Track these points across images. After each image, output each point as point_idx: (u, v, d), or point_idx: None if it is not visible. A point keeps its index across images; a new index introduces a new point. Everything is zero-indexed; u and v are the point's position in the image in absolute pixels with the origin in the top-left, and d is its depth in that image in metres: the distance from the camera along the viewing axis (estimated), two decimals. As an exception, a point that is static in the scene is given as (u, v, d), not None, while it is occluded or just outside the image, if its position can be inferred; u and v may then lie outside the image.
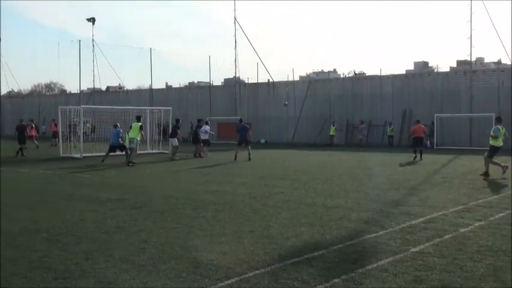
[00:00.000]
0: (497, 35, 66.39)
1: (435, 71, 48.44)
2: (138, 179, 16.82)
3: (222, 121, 43.24)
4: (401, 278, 6.12)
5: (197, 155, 26.77)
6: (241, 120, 27.77)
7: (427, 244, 7.65)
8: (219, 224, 9.30)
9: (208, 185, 14.85)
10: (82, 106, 30.15)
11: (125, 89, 56.96)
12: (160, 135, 31.71)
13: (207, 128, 27.93)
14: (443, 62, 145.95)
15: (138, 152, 26.82)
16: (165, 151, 27.26)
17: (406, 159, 23.83)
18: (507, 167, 16.49)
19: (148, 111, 32.08)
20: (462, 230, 8.63)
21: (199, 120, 28.79)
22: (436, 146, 33.52)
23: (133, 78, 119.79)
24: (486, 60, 71.60)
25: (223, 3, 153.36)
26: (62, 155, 27.40)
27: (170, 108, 32.28)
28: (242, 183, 15.14)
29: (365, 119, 38.90)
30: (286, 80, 46.10)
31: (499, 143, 16.79)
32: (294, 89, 43.37)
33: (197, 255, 7.09)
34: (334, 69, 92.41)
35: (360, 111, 39.56)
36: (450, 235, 8.24)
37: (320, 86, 42.87)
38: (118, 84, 62.76)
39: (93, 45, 47.85)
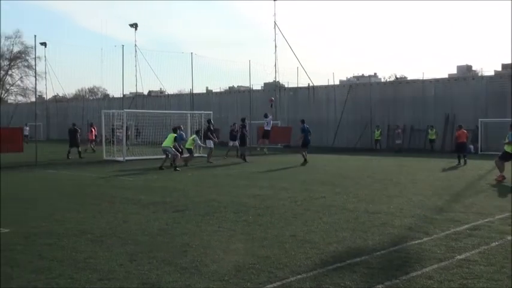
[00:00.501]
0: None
1: (479, 74, 47.51)
2: (179, 182, 16.97)
3: (262, 125, 43.24)
4: (446, 285, 6.00)
5: (243, 156, 25.98)
6: (303, 121, 26.11)
7: (473, 252, 7.50)
8: (260, 228, 9.30)
9: (249, 189, 14.89)
10: (125, 110, 30.60)
11: (166, 93, 57.64)
12: (200, 139, 31.90)
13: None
14: (487, 66, 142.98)
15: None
16: (204, 155, 27.40)
17: (448, 165, 23.41)
18: (503, 177, 16.61)
19: (189, 115, 32.37)
20: (509, 237, 8.42)
21: (243, 120, 28.15)
22: (481, 151, 32.80)
23: (174, 82, 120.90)
24: (532, 64, 69.68)
25: (263, 8, 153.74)
26: (105, 158, 27.88)
27: (211, 112, 32.50)
28: (283, 188, 15.12)
29: (406, 123, 38.38)
30: (327, 84, 45.87)
31: (509, 148, 17.01)
32: (334, 93, 43.11)
33: (239, 259, 7.11)
34: (375, 74, 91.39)
35: (401, 116, 39.04)
36: (497, 243, 8.05)
37: (360, 90, 42.49)
38: (159, 89, 63.62)
39: (136, 50, 48.61)
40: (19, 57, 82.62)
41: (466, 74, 65.11)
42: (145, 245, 7.99)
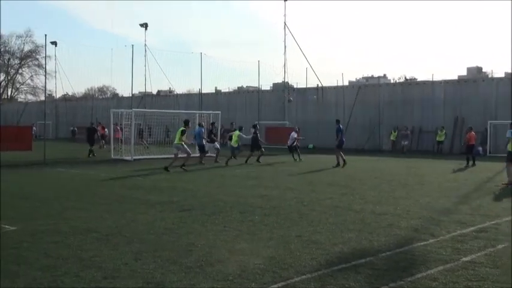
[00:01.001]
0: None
1: (489, 76, 47.25)
2: (187, 182, 17.01)
3: (271, 125, 43.24)
4: (451, 287, 5.98)
5: (258, 158, 25.66)
6: (338, 121, 25.41)
7: (478, 254, 7.46)
8: (266, 228, 9.31)
9: (255, 189, 14.90)
10: (133, 109, 30.71)
11: (175, 93, 57.76)
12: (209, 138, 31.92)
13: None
14: (497, 67, 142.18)
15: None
16: (212, 154, 27.43)
17: (457, 167, 23.32)
18: (510, 184, 16.11)
19: (197, 115, 32.41)
20: (516, 240, 8.38)
21: (254, 126, 27.67)
22: (489, 153, 32.65)
23: (183, 82, 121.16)
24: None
25: (273, 9, 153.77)
26: (113, 157, 27.99)
27: (219, 112, 32.53)
28: (289, 188, 15.12)
29: (415, 125, 38.26)
30: (336, 85, 45.80)
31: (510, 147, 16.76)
32: (343, 93, 43.02)
33: (244, 259, 7.12)
34: (384, 75, 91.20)
35: (410, 117, 38.90)
36: (503, 245, 8.02)
37: (370, 91, 42.38)
38: (168, 88, 63.69)
39: (145, 50, 48.70)
40: (29, 56, 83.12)
41: (476, 75, 64.83)
42: (151, 244, 8.02)
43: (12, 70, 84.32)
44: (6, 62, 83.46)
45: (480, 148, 31.79)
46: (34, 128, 49.85)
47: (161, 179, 18.02)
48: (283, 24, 45.87)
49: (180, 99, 54.26)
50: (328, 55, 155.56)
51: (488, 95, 35.70)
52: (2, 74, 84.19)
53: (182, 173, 20.20)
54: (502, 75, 43.45)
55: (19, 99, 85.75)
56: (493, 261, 7.08)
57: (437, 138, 35.30)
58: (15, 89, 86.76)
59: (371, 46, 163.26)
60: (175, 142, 21.92)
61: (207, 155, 25.84)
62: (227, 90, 58.17)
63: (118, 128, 35.32)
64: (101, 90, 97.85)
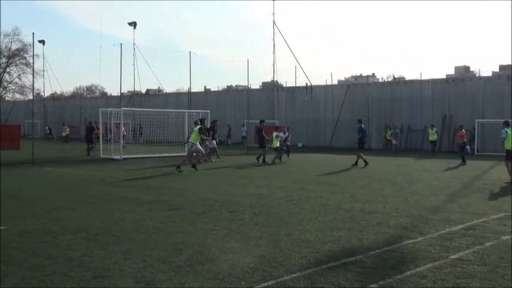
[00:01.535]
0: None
1: (477, 75, 47.51)
2: (176, 181, 16.98)
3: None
4: (440, 285, 6.02)
5: (263, 159, 25.10)
6: (360, 121, 24.81)
7: (467, 251, 7.52)
8: (256, 227, 9.31)
9: (246, 188, 14.90)
10: (122, 108, 30.59)
11: (164, 91, 57.64)
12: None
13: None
14: (485, 67, 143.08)
15: (177, 154, 27.14)
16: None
17: (446, 165, 23.45)
18: None
19: (186, 114, 32.34)
20: (504, 237, 8.45)
21: (261, 121, 27.51)
22: (477, 152, 32.87)
23: (172, 81, 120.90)
24: (530, 65, 69.74)
25: (262, 7, 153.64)
26: (102, 156, 27.87)
27: (208, 111, 32.46)
28: (279, 187, 15.14)
29: (404, 123, 38.41)
30: (325, 83, 45.89)
31: (508, 146, 16.98)
32: (333, 92, 43.12)
33: (234, 258, 7.12)
34: (373, 74, 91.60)
35: (399, 116, 39.06)
36: (491, 242, 8.07)
37: (358, 90, 42.52)
38: (157, 87, 63.59)
39: (134, 49, 48.59)
40: (17, 55, 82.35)
41: (463, 74, 65.17)
42: (140, 243, 8.00)
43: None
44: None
45: (468, 147, 31.92)
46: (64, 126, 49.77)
47: (149, 177, 17.96)
48: (272, 23, 45.94)
49: (169, 98, 54.15)
50: (318, 54, 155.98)
51: (475, 94, 35.94)
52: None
53: (171, 171, 20.15)
54: (489, 74, 43.68)
55: (7, 98, 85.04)
56: (481, 258, 7.13)
57: (430, 138, 33.88)
58: (3, 88, 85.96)
59: (360, 45, 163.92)
60: (192, 141, 21.20)
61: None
62: (216, 89, 58.11)
63: (97, 126, 35.24)
64: (90, 89, 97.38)
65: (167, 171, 20.50)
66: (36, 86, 65.23)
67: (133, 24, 49.67)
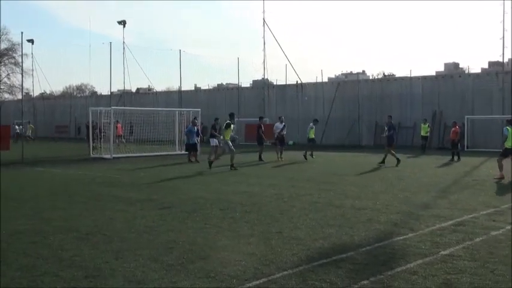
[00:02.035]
0: (530, 36, 65.02)
1: (466, 72, 47.76)
2: (167, 179, 16.95)
3: (250, 122, 43.27)
4: (431, 280, 6.05)
5: (261, 156, 24.89)
6: (390, 117, 24.23)
7: (457, 247, 7.56)
8: (247, 224, 9.32)
9: (237, 186, 14.90)
10: (112, 107, 30.49)
11: (154, 90, 57.48)
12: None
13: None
14: (474, 63, 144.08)
15: (168, 153, 27.11)
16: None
17: (435, 162, 23.56)
18: (502, 177, 16.45)
19: (177, 112, 32.30)
20: (493, 233, 8.50)
21: (260, 118, 27.27)
22: (467, 148, 33.02)
23: (162, 80, 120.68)
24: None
25: (252, 6, 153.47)
26: (92, 155, 27.77)
27: (199, 109, 32.42)
28: (270, 185, 15.15)
29: (394, 120, 38.44)
30: (315, 81, 45.94)
31: (508, 144, 17.00)
32: (323, 90, 43.19)
33: (225, 256, 7.12)
34: (363, 71, 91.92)
35: (389, 113, 39.04)
36: (481, 238, 8.13)
37: (349, 88, 42.58)
38: (147, 86, 63.36)
39: (124, 48, 48.39)
40: (6, 54, 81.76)
41: (453, 71, 65.53)
42: (131, 242, 7.98)
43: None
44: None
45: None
46: (20, 126, 49.01)
47: (140, 176, 17.92)
48: (263, 21, 45.88)
49: (159, 97, 54.02)
50: (308, 52, 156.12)
51: (465, 91, 36.11)
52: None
53: (161, 170, 20.13)
54: (479, 70, 43.96)
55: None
56: (471, 254, 7.18)
57: (422, 133, 33.14)
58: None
59: (350, 43, 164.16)
60: (225, 138, 20.78)
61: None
62: (207, 87, 58.07)
63: (118, 125, 35.04)
64: (79, 88, 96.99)
65: (158, 170, 20.48)
66: (25, 85, 65.10)
67: (122, 23, 49.39)
